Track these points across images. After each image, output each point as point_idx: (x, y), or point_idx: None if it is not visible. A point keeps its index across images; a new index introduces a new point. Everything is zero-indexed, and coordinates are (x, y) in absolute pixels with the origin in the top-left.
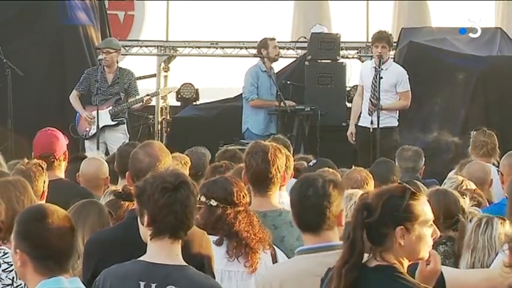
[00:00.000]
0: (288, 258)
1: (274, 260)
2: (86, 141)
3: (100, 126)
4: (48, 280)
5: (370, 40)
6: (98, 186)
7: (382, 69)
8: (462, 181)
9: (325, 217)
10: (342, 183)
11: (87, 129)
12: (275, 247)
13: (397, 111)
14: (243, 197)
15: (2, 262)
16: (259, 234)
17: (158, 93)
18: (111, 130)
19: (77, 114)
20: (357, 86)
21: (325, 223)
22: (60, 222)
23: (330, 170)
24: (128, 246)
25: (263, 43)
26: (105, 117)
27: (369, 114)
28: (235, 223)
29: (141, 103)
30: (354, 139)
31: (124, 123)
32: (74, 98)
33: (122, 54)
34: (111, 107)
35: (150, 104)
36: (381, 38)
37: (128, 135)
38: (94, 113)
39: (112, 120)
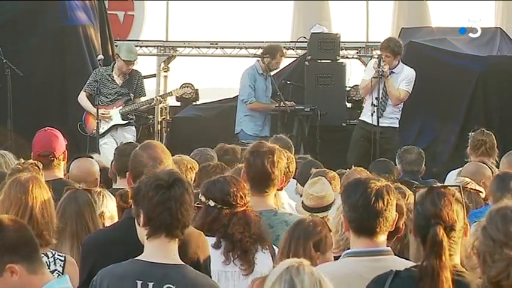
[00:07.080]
0: None
1: (274, 259)
2: (100, 139)
3: (112, 124)
4: (54, 281)
5: (370, 40)
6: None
7: (394, 72)
8: (468, 183)
9: (382, 223)
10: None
11: (95, 128)
12: (274, 247)
13: (400, 113)
14: (241, 197)
15: None
16: (255, 235)
17: (171, 94)
18: (121, 129)
19: (84, 113)
20: (357, 85)
21: (381, 229)
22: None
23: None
24: (126, 246)
25: (274, 51)
26: (116, 116)
27: (371, 115)
28: (230, 224)
29: (149, 105)
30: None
31: (133, 124)
32: (83, 98)
33: None
34: (120, 107)
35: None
36: (382, 48)
37: (136, 137)
38: (111, 111)
39: (122, 119)
